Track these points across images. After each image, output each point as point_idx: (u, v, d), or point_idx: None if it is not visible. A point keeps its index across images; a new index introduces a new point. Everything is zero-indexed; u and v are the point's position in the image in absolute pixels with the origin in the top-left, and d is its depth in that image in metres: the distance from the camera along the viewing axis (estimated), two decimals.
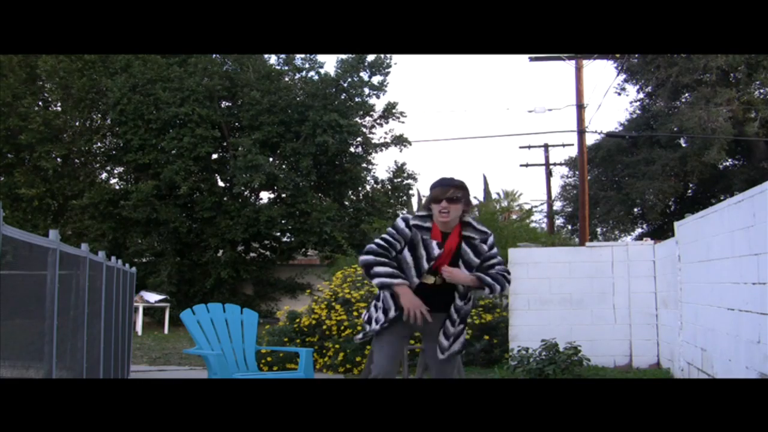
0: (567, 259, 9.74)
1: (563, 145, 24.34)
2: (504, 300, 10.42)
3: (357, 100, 20.48)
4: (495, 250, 3.90)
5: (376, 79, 20.65)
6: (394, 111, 21.23)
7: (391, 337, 3.84)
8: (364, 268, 3.77)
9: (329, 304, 9.94)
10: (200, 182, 19.75)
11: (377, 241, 3.82)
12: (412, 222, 3.79)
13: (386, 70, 20.61)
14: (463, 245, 3.78)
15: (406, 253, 3.76)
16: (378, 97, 21.01)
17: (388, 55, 20.60)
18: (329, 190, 21.11)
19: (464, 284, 3.75)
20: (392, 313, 3.75)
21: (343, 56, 20.38)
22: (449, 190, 3.69)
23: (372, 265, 3.72)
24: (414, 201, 24.18)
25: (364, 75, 20.51)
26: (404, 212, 21.01)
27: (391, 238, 3.78)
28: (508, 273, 3.90)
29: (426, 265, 3.72)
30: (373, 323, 3.86)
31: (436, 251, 3.72)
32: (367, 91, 20.64)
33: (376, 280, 3.71)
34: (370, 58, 20.42)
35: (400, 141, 21.22)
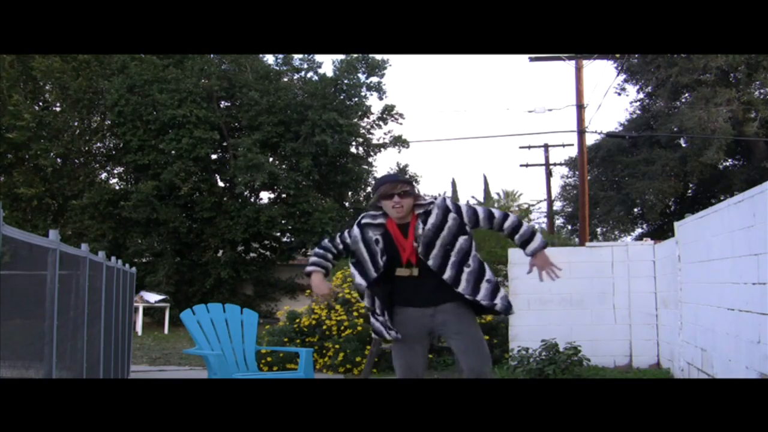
0: (567, 259, 9.73)
1: (563, 145, 24.32)
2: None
3: (355, 100, 20.49)
4: (465, 206, 3.83)
5: (372, 80, 20.67)
6: (393, 113, 21.25)
7: (401, 347, 3.82)
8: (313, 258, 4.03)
9: (329, 304, 9.94)
10: (200, 183, 19.75)
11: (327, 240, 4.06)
12: (363, 221, 3.86)
13: (381, 72, 20.63)
14: (419, 224, 3.72)
15: (362, 249, 3.80)
16: (380, 98, 21.05)
17: (384, 56, 20.66)
18: (330, 190, 21.11)
19: (546, 266, 3.85)
20: (389, 334, 3.80)
21: (341, 57, 20.43)
22: (397, 185, 3.73)
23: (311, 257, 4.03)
24: None
25: (362, 76, 20.52)
26: None
27: (338, 236, 4.02)
28: (505, 214, 3.88)
29: (381, 261, 3.75)
30: (384, 332, 3.82)
31: (399, 243, 3.75)
32: (364, 92, 20.65)
33: (306, 269, 4.01)
34: (369, 58, 20.42)
35: (398, 142, 21.23)
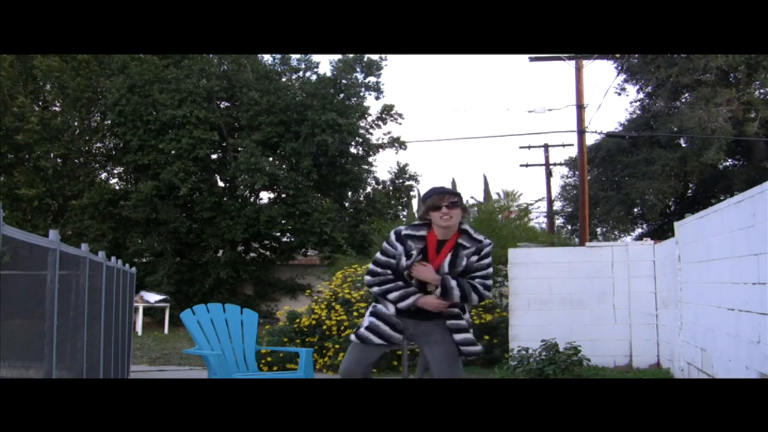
0: (567, 259, 9.74)
1: (563, 145, 24.34)
2: (504, 300, 10.42)
3: (354, 100, 20.49)
4: (487, 260, 3.89)
5: (370, 80, 20.68)
6: (392, 113, 21.27)
7: (361, 347, 3.94)
8: (369, 287, 3.96)
9: (329, 305, 9.94)
10: (200, 182, 19.75)
11: (374, 260, 3.95)
12: (403, 233, 3.87)
13: (378, 72, 20.65)
14: (460, 255, 3.81)
15: (402, 261, 3.84)
16: (377, 98, 21.06)
17: (381, 55, 20.67)
18: (330, 190, 21.12)
19: (428, 281, 3.78)
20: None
21: (339, 57, 20.44)
22: (446, 196, 3.77)
23: (374, 285, 3.90)
24: (414, 202, 24.17)
25: (359, 76, 20.53)
26: (404, 216, 21.05)
27: (383, 257, 3.90)
28: (486, 288, 3.86)
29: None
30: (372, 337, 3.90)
31: (430, 258, 3.82)
32: (363, 91, 20.65)
33: (389, 299, 3.88)
34: (365, 58, 20.44)
35: (397, 142, 21.25)
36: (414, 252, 3.80)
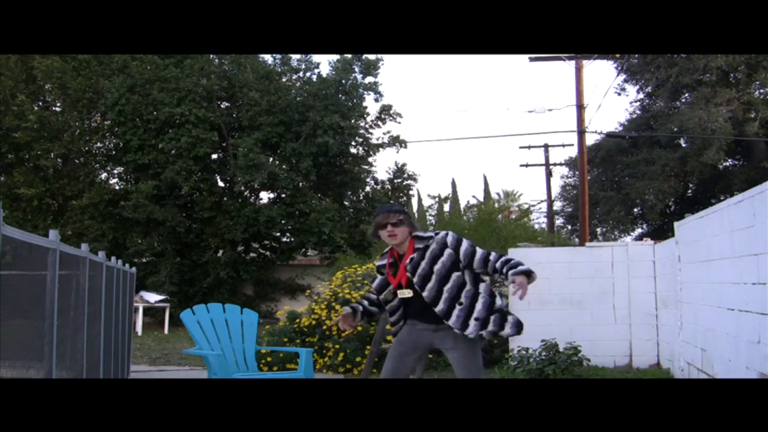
0: (567, 259, 9.74)
1: (563, 146, 24.33)
2: (504, 300, 10.40)
3: (355, 101, 20.49)
4: (464, 245, 3.94)
5: (369, 80, 20.69)
6: (391, 112, 21.27)
7: (396, 351, 4.09)
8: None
9: (329, 305, 9.93)
10: (200, 182, 19.75)
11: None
12: (377, 265, 4.22)
13: (376, 72, 20.66)
14: (416, 257, 3.94)
15: (384, 282, 4.13)
16: (377, 100, 21.05)
17: (378, 56, 20.68)
18: (329, 190, 21.12)
19: (521, 286, 3.76)
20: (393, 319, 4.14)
21: (337, 57, 20.42)
22: (390, 215, 3.98)
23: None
24: (414, 201, 24.19)
25: (358, 76, 20.54)
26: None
27: (373, 286, 4.26)
28: (506, 257, 3.93)
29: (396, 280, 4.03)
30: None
31: (394, 269, 4.05)
32: (362, 92, 20.65)
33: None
34: (363, 58, 20.45)
35: (397, 142, 21.24)
36: (388, 271, 4.07)
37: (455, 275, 3.87)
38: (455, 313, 3.83)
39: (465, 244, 3.95)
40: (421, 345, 4.05)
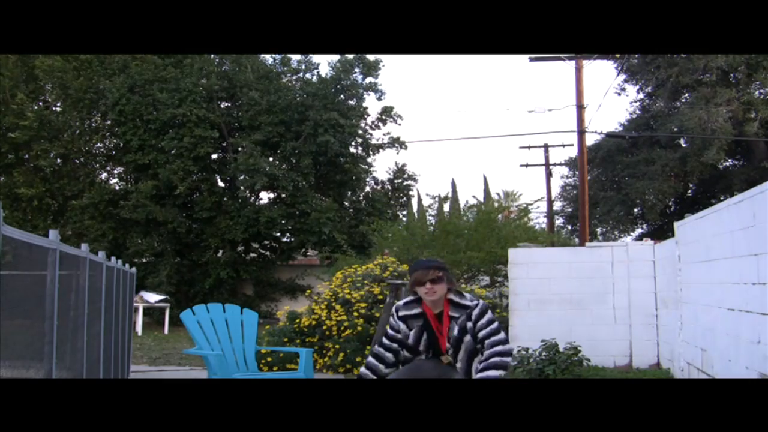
0: (567, 259, 9.74)
1: (563, 146, 24.31)
2: (504, 300, 10.42)
3: (356, 100, 20.50)
4: (483, 320, 3.89)
5: (369, 80, 20.70)
6: (392, 113, 21.28)
7: (412, 366, 4.05)
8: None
9: (329, 305, 9.93)
10: (200, 182, 19.75)
11: (378, 344, 4.15)
12: (400, 314, 4.05)
13: (376, 73, 20.67)
14: (453, 325, 3.93)
15: (411, 335, 4.01)
16: (379, 98, 21.06)
17: (378, 56, 20.69)
18: (329, 190, 21.13)
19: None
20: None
21: (337, 57, 20.43)
22: (430, 272, 3.90)
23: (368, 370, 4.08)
24: (414, 202, 24.16)
25: (358, 77, 20.55)
26: (403, 215, 21.04)
27: (388, 341, 4.08)
28: (507, 354, 3.85)
29: (427, 346, 3.98)
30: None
31: (438, 332, 3.96)
32: (362, 92, 20.66)
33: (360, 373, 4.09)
34: (364, 58, 20.45)
35: (397, 143, 21.25)
36: (418, 330, 3.97)
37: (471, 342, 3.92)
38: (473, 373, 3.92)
39: (491, 320, 3.91)
40: (434, 374, 4.04)
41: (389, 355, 4.04)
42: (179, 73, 19.30)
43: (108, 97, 19.21)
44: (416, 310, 3.99)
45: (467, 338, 3.88)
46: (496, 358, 3.76)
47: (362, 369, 4.09)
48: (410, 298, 4.09)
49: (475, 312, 3.90)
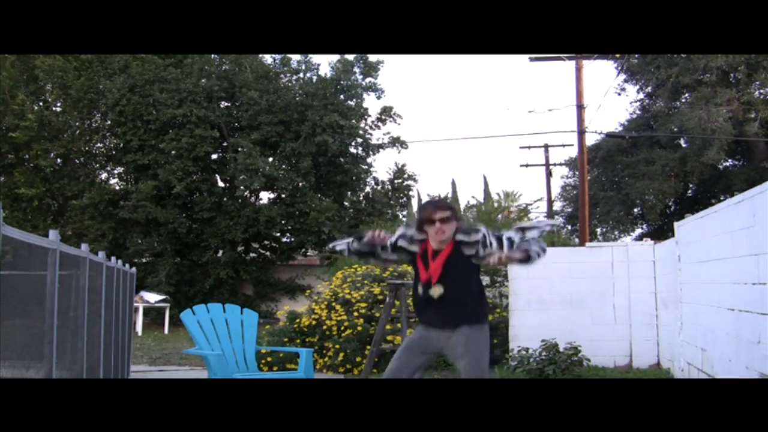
0: (567, 259, 9.74)
1: (563, 146, 24.31)
2: (504, 300, 10.42)
3: (355, 100, 20.50)
4: (492, 236, 3.84)
5: (368, 81, 20.69)
6: (392, 113, 21.29)
7: (409, 348, 4.03)
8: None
9: (329, 305, 9.93)
10: (200, 182, 19.76)
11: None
12: (407, 232, 3.99)
13: (376, 73, 20.68)
14: (456, 251, 3.86)
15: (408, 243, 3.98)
16: (379, 97, 21.06)
17: (379, 57, 20.68)
18: (329, 190, 21.12)
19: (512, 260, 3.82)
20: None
21: (337, 58, 20.42)
22: (439, 211, 3.83)
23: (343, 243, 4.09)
24: (414, 202, 24.16)
25: (358, 77, 20.53)
26: (404, 215, 21.04)
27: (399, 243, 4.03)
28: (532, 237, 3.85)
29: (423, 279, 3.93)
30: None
31: (427, 267, 3.91)
32: (362, 93, 20.65)
33: (352, 246, 4.02)
34: (363, 58, 20.44)
35: (397, 142, 21.25)
36: (417, 248, 3.92)
37: (475, 269, 3.92)
38: (470, 309, 3.87)
39: (492, 237, 3.85)
40: (430, 350, 4.01)
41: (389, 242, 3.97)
42: (180, 73, 19.30)
43: (108, 98, 19.21)
44: (421, 236, 3.93)
45: (469, 265, 3.85)
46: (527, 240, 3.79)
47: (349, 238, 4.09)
48: (414, 233, 3.99)
49: (482, 233, 3.84)
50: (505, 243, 3.79)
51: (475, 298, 3.96)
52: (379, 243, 3.92)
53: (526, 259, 3.76)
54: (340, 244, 4.12)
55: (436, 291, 3.86)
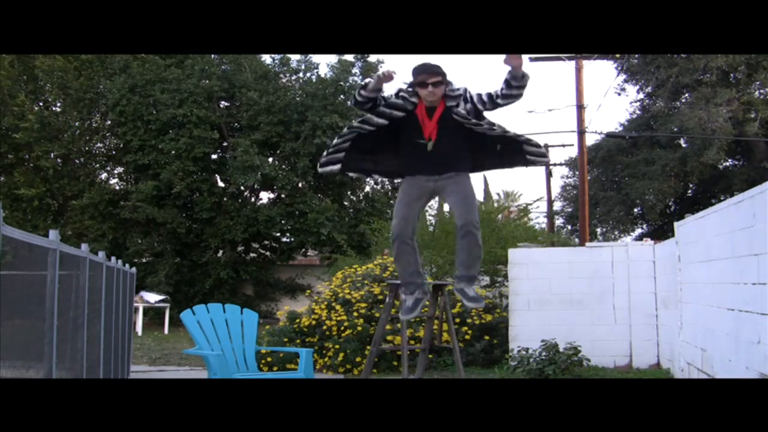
0: (567, 259, 9.74)
1: (563, 146, 24.33)
2: (504, 300, 10.42)
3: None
4: (476, 95, 4.34)
5: (368, 81, 20.67)
6: None
7: (404, 200, 4.48)
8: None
9: (329, 305, 9.93)
10: (200, 182, 19.76)
11: None
12: (401, 93, 4.41)
13: (376, 74, 20.67)
14: (446, 112, 4.31)
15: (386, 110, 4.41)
16: None
17: (378, 57, 20.66)
18: (329, 190, 21.12)
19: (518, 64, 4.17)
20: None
21: (336, 59, 20.41)
22: (431, 76, 4.25)
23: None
24: None
25: (358, 78, 20.52)
26: None
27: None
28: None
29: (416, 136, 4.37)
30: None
31: (424, 123, 4.36)
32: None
33: (364, 92, 4.40)
34: (362, 59, 20.43)
35: None
36: (401, 114, 4.36)
37: (467, 132, 4.33)
38: (457, 159, 4.37)
39: (476, 95, 4.32)
40: (425, 194, 4.51)
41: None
42: (181, 73, 19.30)
43: (108, 98, 19.21)
44: (414, 99, 4.35)
45: (465, 108, 4.27)
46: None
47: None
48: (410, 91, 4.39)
49: (467, 96, 4.33)
50: (485, 96, 4.33)
51: (463, 158, 4.42)
52: (386, 80, 4.25)
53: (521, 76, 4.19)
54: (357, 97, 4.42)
55: (430, 144, 4.32)
